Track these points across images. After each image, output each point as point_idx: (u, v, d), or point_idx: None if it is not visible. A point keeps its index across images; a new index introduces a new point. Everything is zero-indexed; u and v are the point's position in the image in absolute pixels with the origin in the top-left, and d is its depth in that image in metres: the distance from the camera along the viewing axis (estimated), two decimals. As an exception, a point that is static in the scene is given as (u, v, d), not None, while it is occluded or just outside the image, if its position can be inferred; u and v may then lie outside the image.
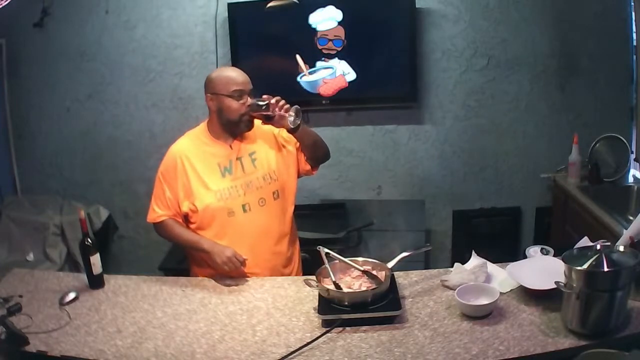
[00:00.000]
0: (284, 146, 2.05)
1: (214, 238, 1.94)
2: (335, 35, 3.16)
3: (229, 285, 1.88)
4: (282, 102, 1.89)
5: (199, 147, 1.99)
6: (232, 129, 1.96)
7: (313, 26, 3.16)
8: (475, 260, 1.85)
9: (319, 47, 3.18)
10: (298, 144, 2.04)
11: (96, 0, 3.34)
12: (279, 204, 2.01)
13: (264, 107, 1.88)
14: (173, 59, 3.39)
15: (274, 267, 2.01)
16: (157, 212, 2.00)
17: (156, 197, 2.01)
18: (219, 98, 1.92)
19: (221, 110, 1.94)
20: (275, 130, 2.02)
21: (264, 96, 1.90)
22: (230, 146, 1.99)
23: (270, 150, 2.02)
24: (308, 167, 2.08)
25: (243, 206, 1.95)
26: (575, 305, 1.41)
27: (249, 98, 1.92)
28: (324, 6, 3.13)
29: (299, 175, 2.09)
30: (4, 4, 1.99)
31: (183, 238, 1.99)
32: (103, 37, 3.40)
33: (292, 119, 1.89)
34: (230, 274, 1.89)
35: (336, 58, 3.18)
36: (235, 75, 1.93)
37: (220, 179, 1.94)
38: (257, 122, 1.99)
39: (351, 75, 3.22)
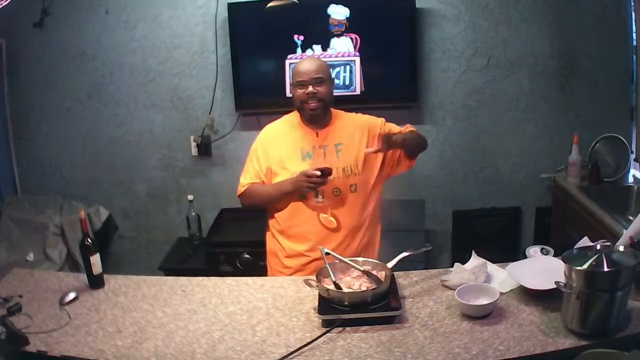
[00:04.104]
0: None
1: (288, 219, 2.04)
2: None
3: (229, 285, 1.89)
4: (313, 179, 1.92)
5: (288, 130, 2.09)
6: (304, 116, 2.04)
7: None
8: (475, 260, 1.85)
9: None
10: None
11: (96, 0, 3.34)
12: (355, 197, 2.03)
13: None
14: (173, 59, 3.39)
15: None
16: (242, 183, 2.11)
17: (244, 172, 2.12)
18: (291, 87, 2.04)
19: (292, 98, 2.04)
20: (377, 127, 2.08)
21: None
22: (317, 134, 2.05)
23: (359, 144, 2.05)
24: (404, 166, 2.11)
25: (316, 192, 1.98)
26: (575, 305, 1.41)
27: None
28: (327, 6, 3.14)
29: (393, 174, 2.14)
30: (4, 4, 1.99)
31: (266, 191, 2.07)
32: (103, 37, 3.40)
33: (320, 199, 1.99)
34: (312, 188, 1.92)
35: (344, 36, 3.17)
36: (299, 66, 2.02)
37: (300, 162, 2.00)
38: (355, 115, 2.11)
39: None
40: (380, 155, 2.06)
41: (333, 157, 2.02)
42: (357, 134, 2.07)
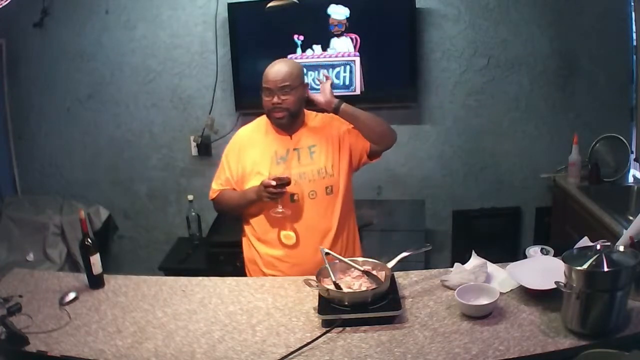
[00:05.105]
0: (344, 138, 2.04)
1: (266, 224, 2.00)
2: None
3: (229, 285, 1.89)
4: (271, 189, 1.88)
5: (262, 134, 2.05)
6: (272, 122, 2.01)
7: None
8: (475, 260, 1.85)
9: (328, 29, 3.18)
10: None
11: (96, 0, 3.35)
12: (331, 199, 2.01)
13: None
14: (173, 59, 3.40)
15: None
16: (214, 189, 2.10)
17: (217, 176, 2.11)
18: (260, 91, 1.97)
19: None
20: (340, 124, 2.04)
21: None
22: (291, 137, 2.02)
23: (331, 145, 2.03)
24: (365, 157, 2.06)
25: (292, 195, 1.96)
26: (575, 305, 1.41)
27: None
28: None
29: (359, 164, 2.09)
30: (4, 4, 1.99)
31: (234, 199, 2.05)
32: (103, 37, 3.40)
33: (279, 209, 1.93)
34: (271, 199, 1.89)
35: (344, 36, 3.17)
36: (267, 71, 1.94)
37: (274, 166, 1.97)
38: (326, 116, 2.06)
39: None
40: (348, 153, 2.04)
41: (307, 160, 1.99)
42: (329, 134, 2.04)
